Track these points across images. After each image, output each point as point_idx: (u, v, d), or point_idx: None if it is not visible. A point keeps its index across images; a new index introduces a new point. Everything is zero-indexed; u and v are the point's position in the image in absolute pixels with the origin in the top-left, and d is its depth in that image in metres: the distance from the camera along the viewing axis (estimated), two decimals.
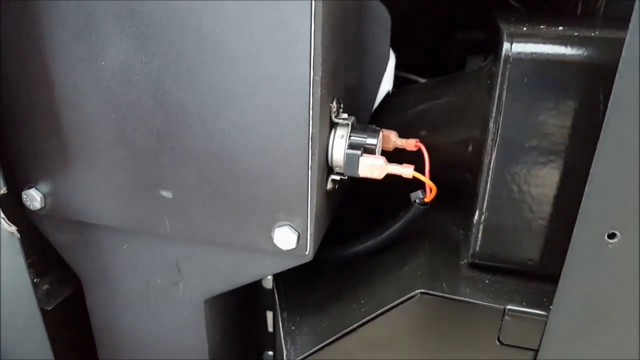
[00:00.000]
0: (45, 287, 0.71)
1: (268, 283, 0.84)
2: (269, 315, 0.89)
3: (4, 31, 0.54)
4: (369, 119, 0.68)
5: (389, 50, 0.63)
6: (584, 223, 0.47)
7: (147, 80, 0.52)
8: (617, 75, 0.42)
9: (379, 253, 0.68)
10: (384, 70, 0.64)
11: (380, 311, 0.58)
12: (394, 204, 0.64)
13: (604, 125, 0.44)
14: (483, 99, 0.58)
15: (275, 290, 0.73)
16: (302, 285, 0.74)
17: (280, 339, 0.66)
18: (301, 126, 0.50)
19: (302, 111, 0.50)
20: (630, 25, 0.41)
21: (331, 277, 0.73)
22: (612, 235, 0.47)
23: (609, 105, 0.43)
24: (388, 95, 0.66)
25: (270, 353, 0.93)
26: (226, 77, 0.50)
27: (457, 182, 0.65)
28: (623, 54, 0.41)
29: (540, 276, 0.58)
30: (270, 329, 0.90)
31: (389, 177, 0.57)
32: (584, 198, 0.46)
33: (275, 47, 0.47)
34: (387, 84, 0.66)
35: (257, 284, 0.82)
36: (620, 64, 0.42)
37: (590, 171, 0.45)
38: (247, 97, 0.50)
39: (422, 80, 0.81)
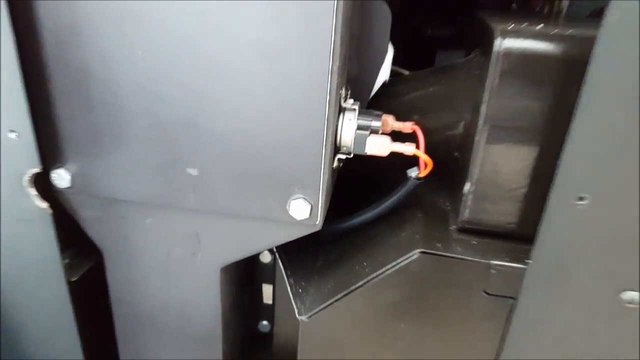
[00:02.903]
0: (66, 261, 0.72)
1: (265, 257, 0.86)
2: (264, 288, 0.90)
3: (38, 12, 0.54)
4: (366, 106, 0.74)
5: (388, 43, 0.70)
6: (558, 188, 0.54)
7: (176, 69, 0.55)
8: (591, 62, 0.48)
9: (375, 224, 0.74)
10: (382, 62, 0.70)
11: (384, 269, 0.64)
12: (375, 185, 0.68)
13: (576, 112, 0.51)
14: (474, 87, 0.65)
15: (279, 262, 0.77)
16: (304, 256, 0.79)
17: (290, 301, 0.71)
18: (319, 111, 0.54)
19: (320, 97, 0.53)
20: (600, 32, 0.48)
21: (330, 248, 0.79)
22: (581, 199, 0.55)
23: (579, 99, 0.49)
24: (384, 84, 0.73)
25: (265, 323, 0.95)
26: (255, 70, 0.53)
27: (444, 160, 0.71)
28: (594, 49, 0.48)
29: (518, 237, 0.64)
30: (267, 300, 0.91)
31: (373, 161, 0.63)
32: (558, 167, 0.54)
33: (298, 39, 0.50)
34: (384, 74, 0.72)
35: (255, 258, 0.85)
36: (592, 56, 0.49)
37: (565, 146, 0.53)
38: (270, 84, 0.53)
39: (405, 72, 0.88)
